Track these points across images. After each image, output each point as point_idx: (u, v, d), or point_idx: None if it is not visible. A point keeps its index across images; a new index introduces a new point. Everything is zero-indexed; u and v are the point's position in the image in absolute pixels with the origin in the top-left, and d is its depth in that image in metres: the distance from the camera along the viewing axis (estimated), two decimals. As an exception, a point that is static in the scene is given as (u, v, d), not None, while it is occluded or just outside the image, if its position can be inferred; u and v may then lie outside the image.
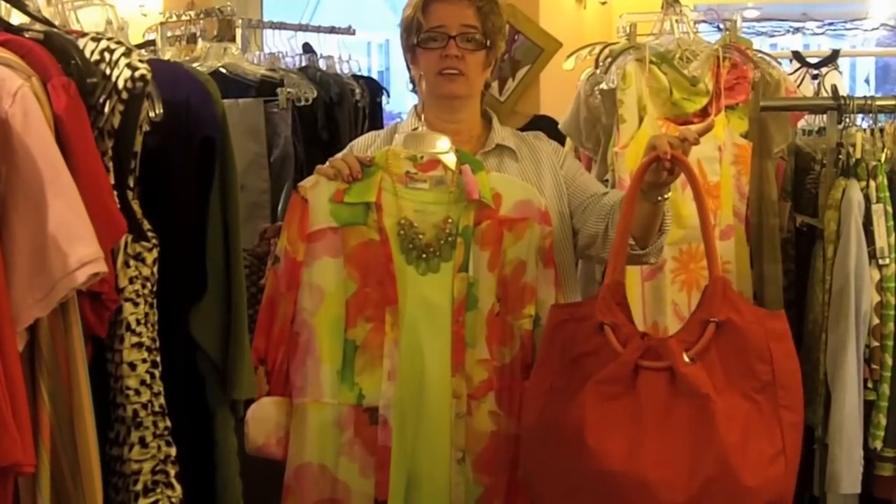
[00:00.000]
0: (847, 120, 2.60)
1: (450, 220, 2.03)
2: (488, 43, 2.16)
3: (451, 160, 2.05)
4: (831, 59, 3.87)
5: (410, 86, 2.29)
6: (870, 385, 2.48)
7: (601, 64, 2.78)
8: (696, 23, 2.99)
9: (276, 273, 2.03)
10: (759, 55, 2.88)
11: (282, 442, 2.02)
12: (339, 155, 2.16)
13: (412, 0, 2.18)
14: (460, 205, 2.04)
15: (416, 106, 2.27)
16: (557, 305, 2.03)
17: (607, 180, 2.69)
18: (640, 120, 2.61)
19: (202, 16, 3.09)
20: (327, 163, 2.08)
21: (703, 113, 2.70)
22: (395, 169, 2.05)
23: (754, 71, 2.76)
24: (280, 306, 2.02)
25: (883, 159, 2.53)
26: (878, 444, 2.47)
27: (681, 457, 1.74)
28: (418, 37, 2.16)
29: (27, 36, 1.66)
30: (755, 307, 1.93)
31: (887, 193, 2.48)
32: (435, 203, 2.04)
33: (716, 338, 1.81)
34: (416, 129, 2.19)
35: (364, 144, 2.25)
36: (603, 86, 2.67)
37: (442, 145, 2.07)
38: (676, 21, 2.83)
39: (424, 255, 2.02)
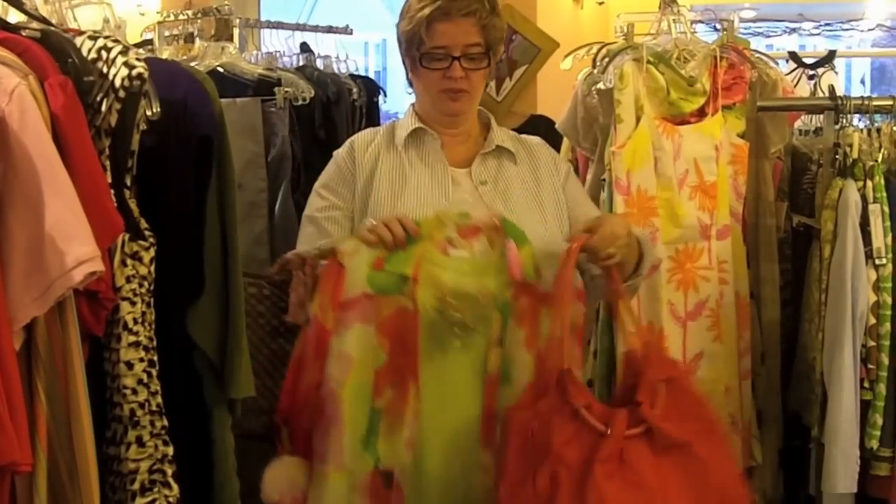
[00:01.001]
0: (844, 120, 2.60)
1: (488, 294, 1.96)
2: (490, 55, 2.13)
3: (495, 231, 2.00)
4: (828, 59, 3.87)
5: (408, 85, 2.27)
6: (866, 385, 2.48)
7: (598, 64, 2.77)
8: (692, 23, 2.99)
9: (302, 338, 1.95)
10: (757, 55, 2.88)
11: (297, 501, 1.96)
12: (379, 217, 2.01)
13: (413, 13, 2.10)
14: (500, 278, 1.97)
15: (413, 105, 2.27)
16: (512, 409, 1.94)
17: (604, 180, 2.69)
18: (638, 120, 2.61)
19: (200, 15, 3.08)
20: (368, 225, 1.98)
21: (700, 113, 2.69)
22: (436, 234, 1.99)
23: (751, 71, 2.76)
24: (307, 372, 1.95)
25: (880, 159, 2.53)
26: (875, 444, 2.47)
27: None
28: (419, 52, 2.10)
29: (24, 34, 1.66)
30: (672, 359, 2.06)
31: (884, 194, 2.48)
32: (474, 274, 1.97)
33: (668, 394, 1.86)
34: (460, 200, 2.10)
35: (364, 141, 2.22)
36: (600, 86, 2.67)
37: (489, 216, 2.01)
38: (674, 21, 2.82)
39: (460, 328, 1.96)
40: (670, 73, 2.66)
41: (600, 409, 1.87)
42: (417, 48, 2.11)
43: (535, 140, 2.31)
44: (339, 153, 2.22)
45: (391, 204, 2.12)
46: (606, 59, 2.73)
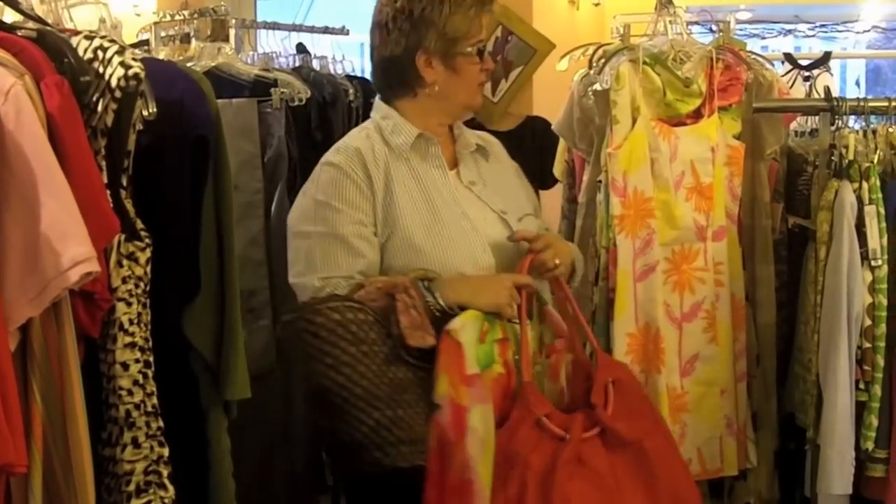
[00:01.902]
0: (839, 122, 2.61)
1: (537, 354, 2.07)
2: None
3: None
4: (823, 61, 3.89)
5: (414, 85, 2.14)
6: (861, 386, 2.48)
7: (595, 65, 2.77)
8: (688, 24, 2.99)
9: (439, 423, 1.92)
10: (753, 56, 2.88)
11: None
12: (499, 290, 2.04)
13: (466, 7, 2.10)
14: (537, 340, 2.08)
15: (394, 107, 2.16)
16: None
17: (600, 181, 2.69)
18: (634, 121, 2.61)
19: (196, 16, 3.08)
20: (498, 300, 2.00)
21: (697, 114, 2.69)
22: None
23: (747, 72, 2.76)
24: (451, 457, 1.92)
25: (875, 161, 2.53)
26: (870, 445, 2.47)
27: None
28: (471, 46, 2.12)
29: (20, 34, 1.65)
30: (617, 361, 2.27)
31: (880, 195, 2.48)
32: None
33: (616, 394, 2.05)
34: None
35: (369, 149, 2.12)
36: (597, 86, 2.67)
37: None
38: (670, 22, 2.82)
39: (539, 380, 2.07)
40: (666, 75, 2.66)
41: (560, 417, 2.01)
42: (462, 42, 2.11)
43: (490, 136, 2.34)
44: (346, 163, 2.10)
45: (417, 216, 2.08)
46: (603, 60, 2.73)
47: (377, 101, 2.22)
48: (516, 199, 2.26)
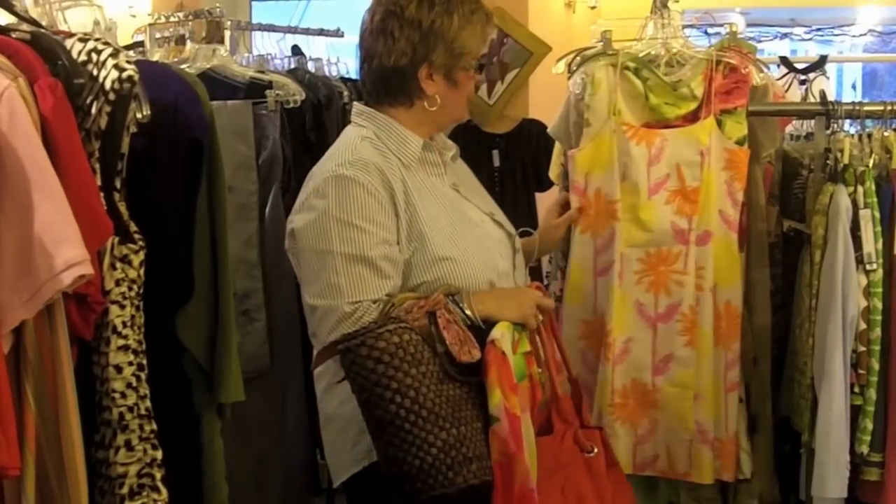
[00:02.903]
0: (835, 125, 2.60)
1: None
2: None
3: None
4: (819, 64, 3.88)
5: (414, 96, 2.09)
6: (856, 390, 2.48)
7: (572, 69, 2.77)
8: (684, 27, 2.97)
9: (500, 434, 1.91)
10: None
11: None
12: (522, 301, 2.09)
13: (476, 22, 2.08)
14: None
15: (392, 115, 2.10)
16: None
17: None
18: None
19: (191, 17, 3.08)
20: (523, 311, 2.05)
21: (693, 117, 2.68)
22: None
23: (759, 74, 2.71)
24: (514, 468, 1.91)
25: (871, 165, 2.52)
26: (865, 449, 2.47)
27: None
28: (477, 62, 2.11)
29: (14, 36, 1.66)
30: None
31: (875, 199, 2.47)
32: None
33: None
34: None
35: (384, 163, 2.04)
36: (575, 91, 2.68)
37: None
38: (663, 26, 2.80)
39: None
40: (654, 79, 2.65)
41: (584, 432, 2.11)
42: (468, 58, 2.09)
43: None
44: (363, 178, 1.99)
45: (440, 227, 2.04)
46: (580, 64, 2.74)
47: (363, 107, 2.13)
48: (491, 200, 2.29)
